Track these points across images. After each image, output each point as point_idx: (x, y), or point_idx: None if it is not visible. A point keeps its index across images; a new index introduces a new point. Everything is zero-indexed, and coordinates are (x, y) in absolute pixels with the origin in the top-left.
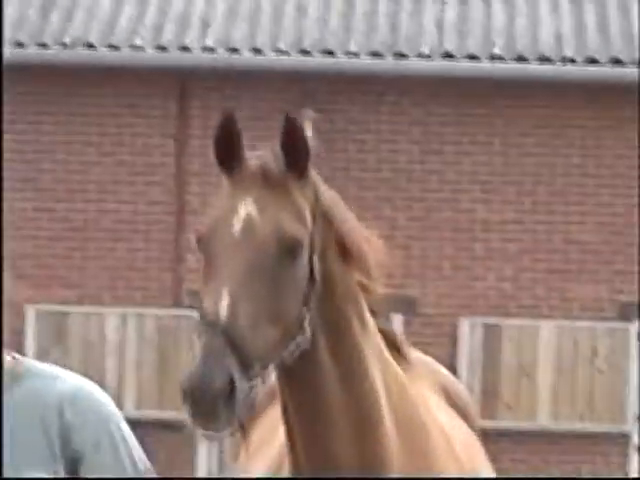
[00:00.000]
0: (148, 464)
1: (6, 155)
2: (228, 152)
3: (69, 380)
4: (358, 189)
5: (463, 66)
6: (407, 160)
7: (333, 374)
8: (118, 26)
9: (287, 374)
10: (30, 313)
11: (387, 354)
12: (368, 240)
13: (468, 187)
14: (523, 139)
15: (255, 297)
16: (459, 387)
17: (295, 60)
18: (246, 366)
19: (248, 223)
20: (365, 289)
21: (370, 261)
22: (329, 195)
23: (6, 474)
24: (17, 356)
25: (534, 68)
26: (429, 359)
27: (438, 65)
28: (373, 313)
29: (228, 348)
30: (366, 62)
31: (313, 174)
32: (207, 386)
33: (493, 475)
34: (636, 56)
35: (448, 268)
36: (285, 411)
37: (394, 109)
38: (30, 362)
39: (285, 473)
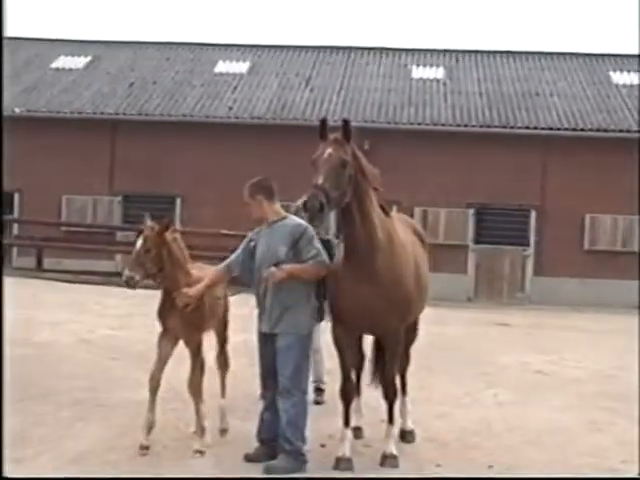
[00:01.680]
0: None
1: None
2: (323, 134)
3: (296, 220)
4: None
5: None
6: None
7: (359, 213)
8: None
9: (342, 212)
10: None
11: (382, 213)
12: (371, 166)
13: None
14: None
15: (330, 178)
16: (416, 224)
17: None
18: (328, 201)
19: (329, 154)
20: (373, 187)
21: (372, 175)
22: (356, 150)
23: (270, 251)
24: (283, 212)
25: None
26: (403, 215)
27: None
28: (377, 195)
29: (321, 193)
30: None
31: (352, 142)
32: (312, 205)
33: (424, 264)
34: None
35: None
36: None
37: None
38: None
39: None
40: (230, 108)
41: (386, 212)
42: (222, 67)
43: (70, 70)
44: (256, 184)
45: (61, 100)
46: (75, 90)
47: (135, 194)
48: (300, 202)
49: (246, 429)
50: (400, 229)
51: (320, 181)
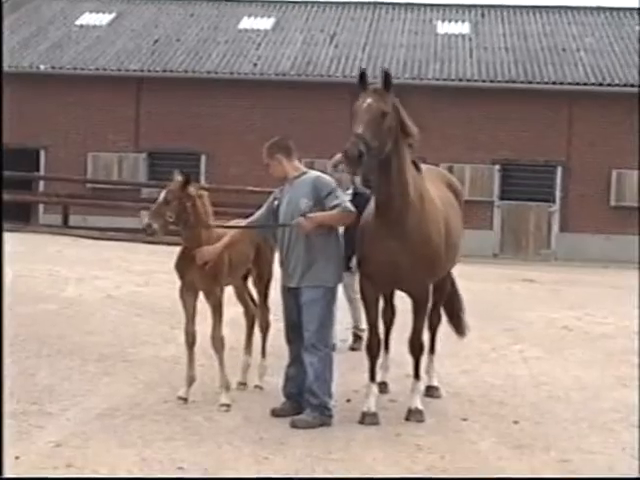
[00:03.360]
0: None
1: None
2: (362, 83)
3: (316, 173)
4: None
5: None
6: None
7: (395, 168)
8: None
9: (380, 164)
10: None
11: (413, 169)
12: (411, 121)
13: None
14: None
15: (370, 128)
16: (452, 178)
17: None
18: (368, 149)
19: (368, 104)
20: (409, 143)
21: (411, 129)
22: (396, 101)
23: (292, 206)
24: (303, 168)
25: None
26: (437, 169)
27: None
28: (411, 151)
29: (361, 142)
30: None
31: (392, 93)
32: (352, 153)
33: (456, 220)
34: None
35: None
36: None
37: None
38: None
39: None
40: (255, 65)
41: (418, 168)
42: (246, 23)
43: (94, 27)
44: (274, 144)
45: (85, 57)
46: (99, 47)
47: (160, 151)
48: (339, 155)
49: (273, 384)
50: (433, 185)
51: (360, 130)
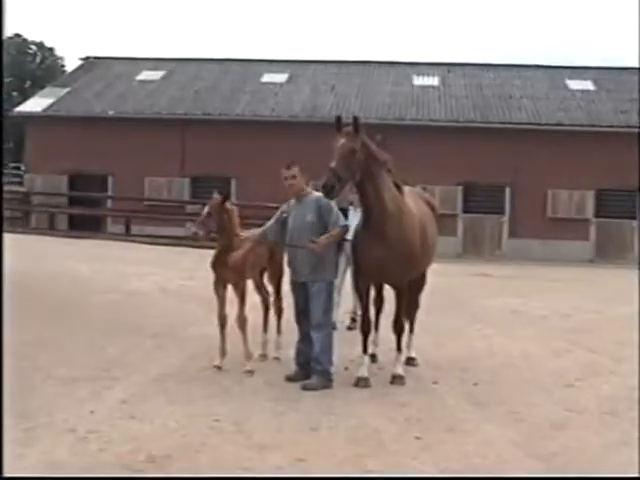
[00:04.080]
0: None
1: None
2: (338, 127)
3: (319, 194)
4: None
5: None
6: None
7: (371, 189)
8: None
9: (357, 187)
10: None
11: (394, 189)
12: (380, 152)
13: None
14: None
15: (342, 163)
16: (428, 196)
17: None
18: (339, 180)
19: (341, 144)
20: (387, 168)
21: (381, 157)
22: (366, 139)
23: (300, 219)
24: (309, 189)
25: None
26: (417, 189)
27: None
28: (390, 176)
29: (333, 175)
30: None
31: (362, 133)
32: (326, 184)
33: (431, 228)
34: None
35: None
36: (360, 201)
37: None
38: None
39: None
40: (273, 109)
41: (398, 188)
42: (267, 77)
43: (150, 81)
44: (296, 162)
45: (143, 104)
46: (154, 96)
47: (200, 176)
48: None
49: (287, 355)
50: (412, 201)
51: (333, 165)
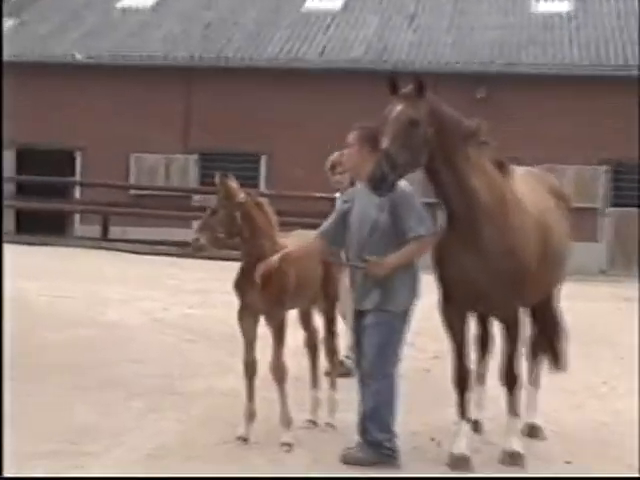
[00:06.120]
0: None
1: None
2: (393, 88)
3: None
4: None
5: None
6: None
7: (448, 178)
8: None
9: (427, 175)
10: None
11: (494, 172)
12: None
13: None
14: None
15: (398, 141)
16: (555, 182)
17: None
18: (394, 168)
19: (397, 112)
20: (480, 141)
21: (467, 128)
22: (437, 102)
23: (365, 217)
24: None
25: None
26: (535, 170)
27: None
28: (488, 152)
29: (385, 161)
30: None
31: (429, 95)
32: (373, 177)
33: (559, 230)
34: None
35: None
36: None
37: None
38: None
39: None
40: (321, 52)
41: (502, 169)
42: (311, 4)
43: (137, 10)
44: (369, 130)
45: (127, 44)
46: (143, 33)
47: (213, 152)
48: (336, 155)
49: (346, 420)
50: (525, 188)
51: (385, 144)
